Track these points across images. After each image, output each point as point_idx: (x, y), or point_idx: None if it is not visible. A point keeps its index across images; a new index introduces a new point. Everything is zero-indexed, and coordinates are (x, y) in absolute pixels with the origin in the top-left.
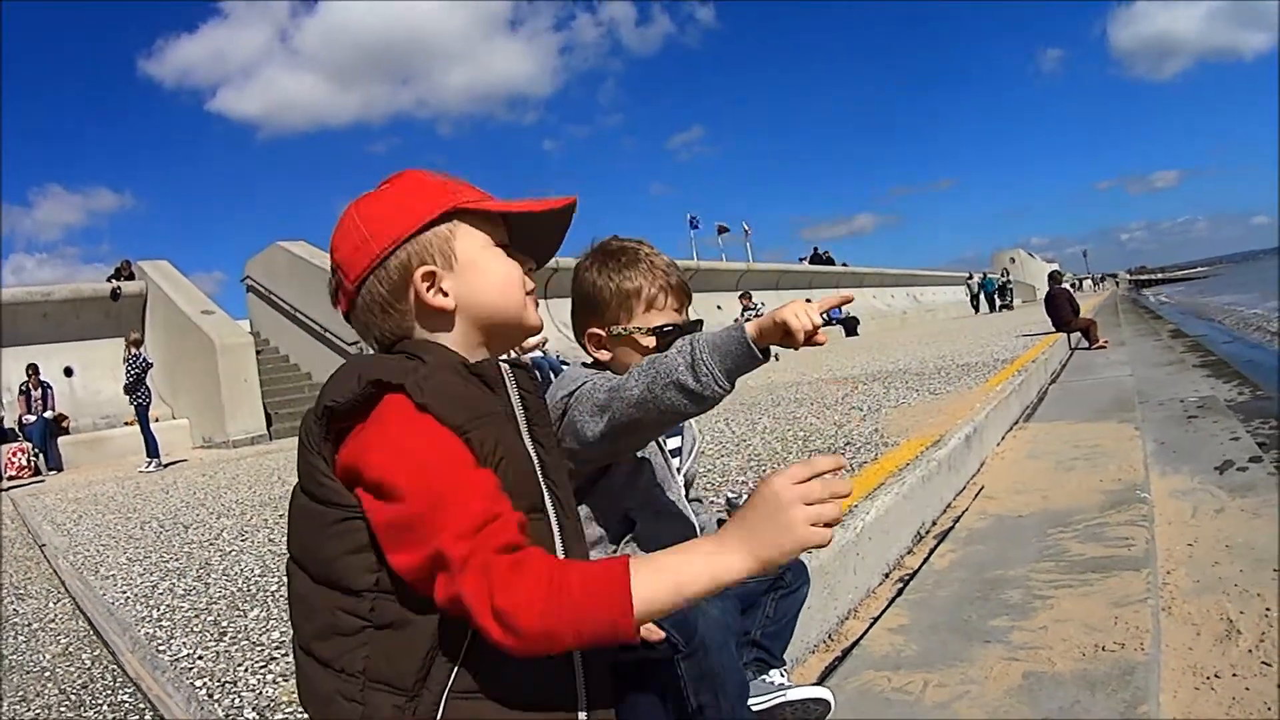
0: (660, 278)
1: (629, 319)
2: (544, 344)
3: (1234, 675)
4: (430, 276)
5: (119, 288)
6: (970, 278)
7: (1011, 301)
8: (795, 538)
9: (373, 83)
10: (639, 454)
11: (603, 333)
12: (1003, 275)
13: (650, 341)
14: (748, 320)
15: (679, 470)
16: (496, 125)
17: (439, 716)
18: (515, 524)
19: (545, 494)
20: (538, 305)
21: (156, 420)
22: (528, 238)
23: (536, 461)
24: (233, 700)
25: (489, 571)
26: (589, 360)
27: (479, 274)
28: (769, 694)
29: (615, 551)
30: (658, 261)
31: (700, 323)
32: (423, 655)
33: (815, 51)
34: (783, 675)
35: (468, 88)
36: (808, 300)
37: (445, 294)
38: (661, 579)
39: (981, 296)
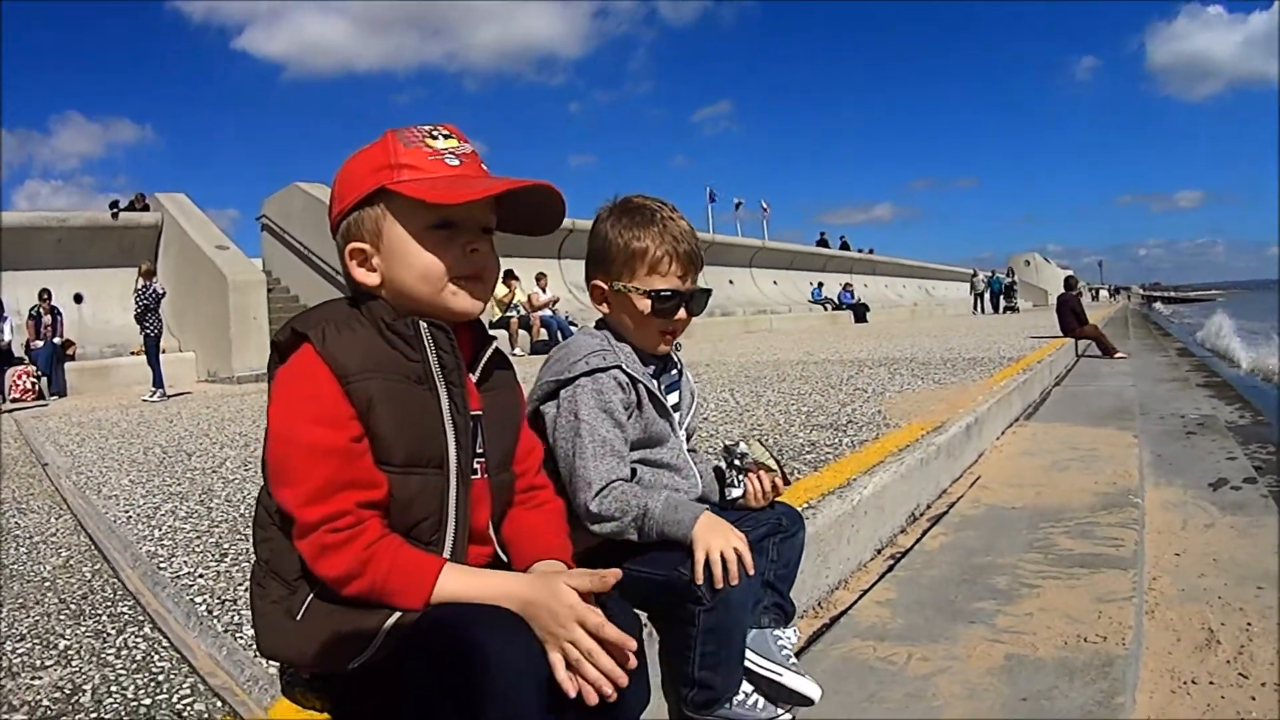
0: (669, 243)
1: (631, 277)
2: (554, 303)
3: (1210, 683)
4: (359, 254)
5: (118, 209)
6: (974, 275)
7: (1016, 304)
8: (554, 637)
9: (402, 32)
10: (643, 413)
11: (605, 286)
12: (1009, 275)
13: (645, 304)
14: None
15: (680, 425)
16: (524, 85)
17: (302, 613)
18: (353, 501)
19: (450, 451)
20: (479, 288)
21: (164, 352)
22: (516, 211)
23: (449, 421)
24: (232, 617)
25: (320, 548)
26: (597, 320)
27: (400, 260)
28: (769, 661)
29: None
30: (672, 226)
31: (709, 292)
32: (299, 558)
33: (849, 39)
34: (795, 635)
35: (497, 44)
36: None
37: (373, 270)
38: (465, 590)
39: (985, 296)
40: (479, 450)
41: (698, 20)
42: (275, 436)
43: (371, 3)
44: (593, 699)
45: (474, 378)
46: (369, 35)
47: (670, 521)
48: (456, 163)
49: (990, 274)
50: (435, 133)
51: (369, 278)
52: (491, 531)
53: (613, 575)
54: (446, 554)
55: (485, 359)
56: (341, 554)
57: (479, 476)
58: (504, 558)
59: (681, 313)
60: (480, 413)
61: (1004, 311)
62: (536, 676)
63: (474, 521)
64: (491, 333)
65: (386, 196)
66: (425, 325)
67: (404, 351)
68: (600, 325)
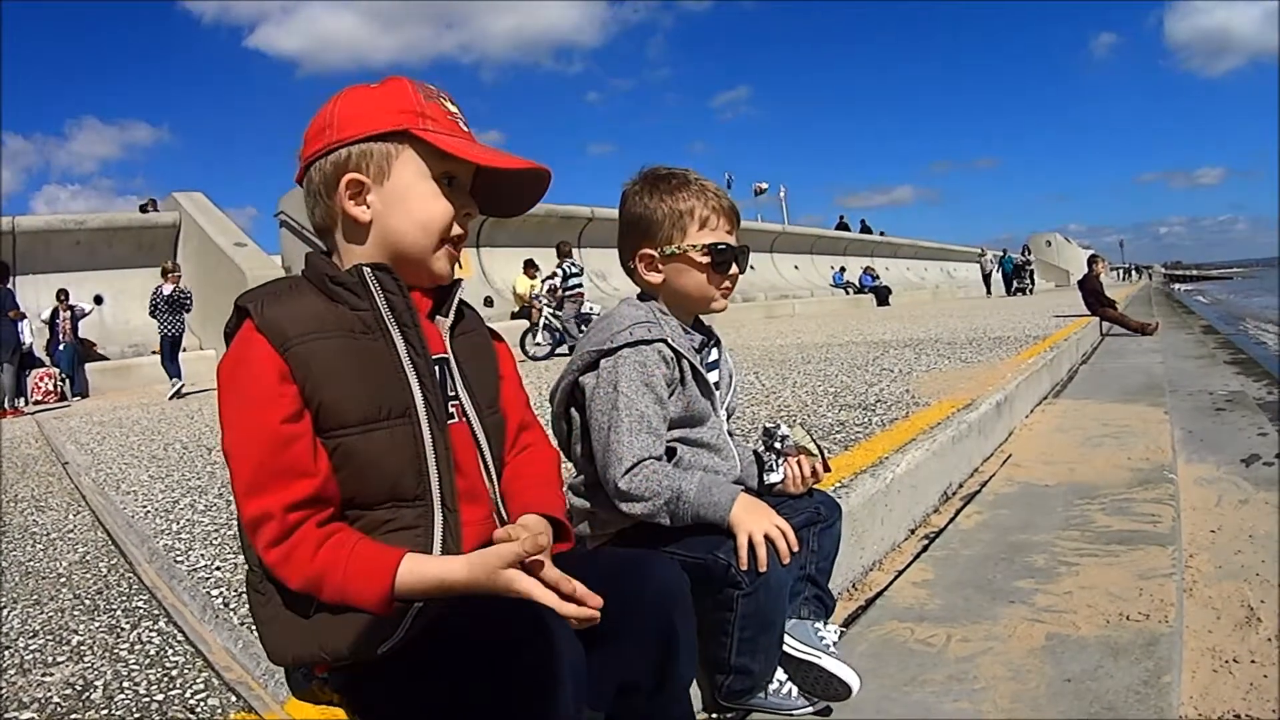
0: (712, 199)
1: (683, 238)
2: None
3: (1252, 661)
4: (356, 185)
5: (149, 205)
6: (982, 254)
7: (1030, 285)
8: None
9: (416, 24)
10: (686, 390)
11: (655, 253)
12: (1023, 254)
13: (705, 259)
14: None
15: (721, 404)
16: (541, 74)
17: (314, 608)
18: (281, 505)
19: (415, 395)
20: (455, 256)
21: (184, 350)
22: (497, 187)
23: (408, 364)
24: (249, 610)
25: (271, 566)
26: (640, 292)
27: (402, 203)
28: (808, 646)
29: None
30: (708, 185)
31: (747, 249)
32: None
33: (867, 21)
34: (835, 632)
35: (513, 35)
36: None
37: (366, 206)
38: (418, 584)
39: (998, 277)
40: (451, 394)
41: (715, 4)
42: (220, 425)
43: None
44: None
45: (447, 320)
46: (382, 30)
47: (706, 504)
48: (466, 130)
49: (1001, 253)
50: (444, 97)
51: (361, 213)
52: (492, 486)
53: (545, 536)
54: (436, 510)
55: (456, 299)
56: (290, 571)
57: (456, 421)
58: (502, 515)
59: (734, 268)
60: (447, 355)
61: (1015, 294)
62: (570, 662)
63: (463, 472)
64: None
65: (406, 139)
66: (369, 270)
67: (350, 302)
68: (643, 297)
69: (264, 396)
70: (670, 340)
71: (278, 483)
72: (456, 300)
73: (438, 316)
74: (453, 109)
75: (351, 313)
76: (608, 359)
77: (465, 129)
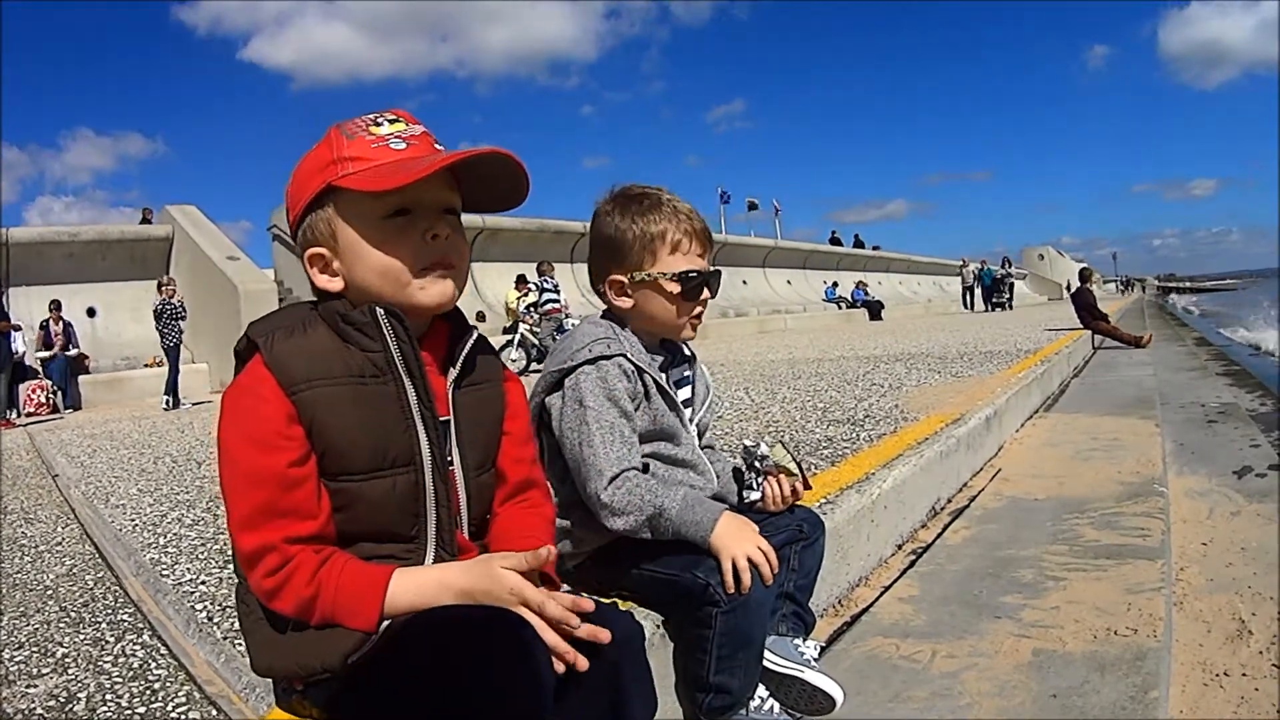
0: (684, 222)
1: (653, 263)
2: (566, 309)
3: (1243, 675)
4: (319, 259)
5: (147, 213)
6: (963, 266)
7: (1009, 301)
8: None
9: (410, 37)
10: (651, 404)
11: (625, 279)
12: (1003, 266)
13: (675, 287)
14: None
15: (691, 420)
16: (536, 88)
17: (291, 623)
18: (282, 535)
19: (422, 445)
20: (447, 278)
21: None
22: (480, 187)
23: (417, 414)
24: (231, 624)
25: (264, 594)
26: (604, 310)
27: (358, 259)
28: (790, 661)
29: None
30: (680, 207)
31: (718, 273)
32: None
33: (861, 35)
34: (815, 648)
35: (508, 48)
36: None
37: (335, 274)
38: (409, 594)
39: (977, 291)
40: (448, 457)
41: (710, 18)
42: (220, 452)
43: (379, 2)
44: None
45: (453, 373)
46: (377, 42)
47: (688, 523)
48: (402, 146)
49: (981, 265)
50: (380, 119)
51: (332, 283)
52: (469, 538)
53: (546, 550)
54: (429, 549)
55: (465, 352)
56: (285, 596)
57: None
58: None
59: (705, 293)
60: (449, 417)
61: (993, 309)
62: (516, 690)
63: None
64: (473, 324)
65: (334, 194)
66: (381, 311)
67: (361, 343)
68: (606, 316)
69: (272, 439)
70: (629, 355)
71: (280, 521)
72: (464, 355)
73: (450, 370)
74: (384, 130)
75: (361, 354)
76: (569, 377)
77: (401, 145)
